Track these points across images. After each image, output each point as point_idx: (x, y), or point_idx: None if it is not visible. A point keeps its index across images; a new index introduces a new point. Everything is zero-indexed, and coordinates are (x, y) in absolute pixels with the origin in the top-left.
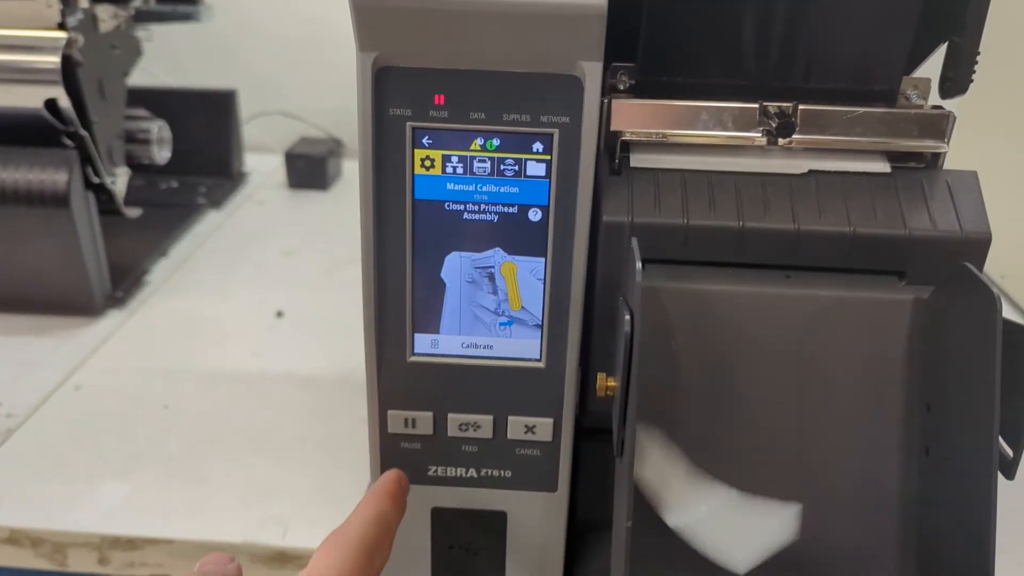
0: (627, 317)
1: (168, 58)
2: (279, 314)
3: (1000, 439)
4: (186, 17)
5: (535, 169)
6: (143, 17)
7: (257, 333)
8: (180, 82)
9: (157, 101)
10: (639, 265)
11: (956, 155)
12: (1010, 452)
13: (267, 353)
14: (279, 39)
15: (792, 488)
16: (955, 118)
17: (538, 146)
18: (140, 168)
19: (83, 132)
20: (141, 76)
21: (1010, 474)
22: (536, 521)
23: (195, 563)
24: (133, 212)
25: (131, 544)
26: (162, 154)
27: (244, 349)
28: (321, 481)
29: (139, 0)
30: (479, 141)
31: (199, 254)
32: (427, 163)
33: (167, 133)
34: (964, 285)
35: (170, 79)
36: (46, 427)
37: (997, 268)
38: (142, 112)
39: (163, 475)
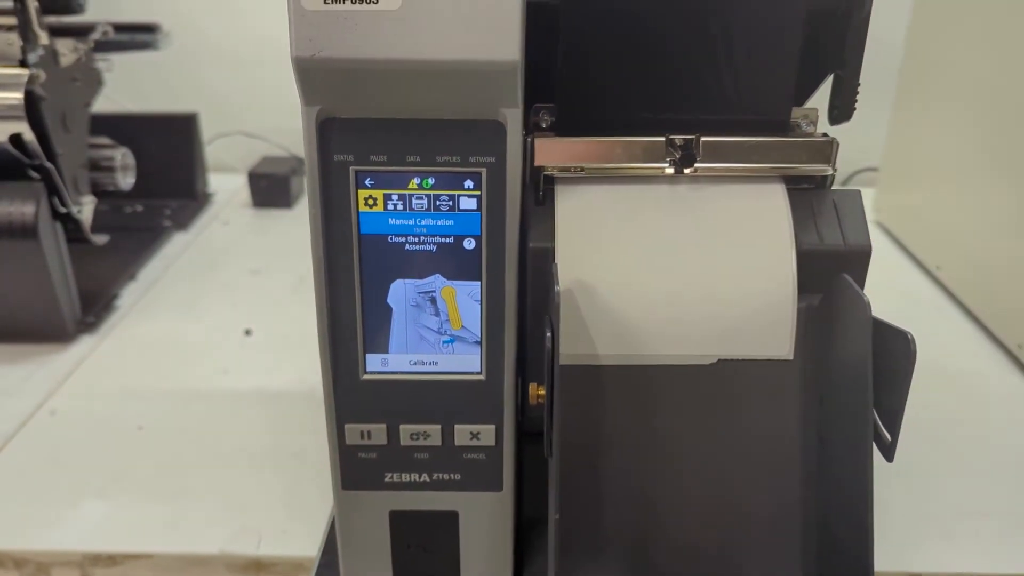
0: (548, 334)
1: (130, 84)
2: (247, 332)
3: (882, 427)
4: (145, 45)
5: (467, 203)
6: (103, 48)
7: (227, 351)
8: (142, 107)
9: (120, 127)
10: (557, 287)
11: (903, 156)
12: (889, 437)
13: (237, 370)
14: (237, 61)
15: (707, 478)
16: (838, 144)
17: (469, 183)
18: (105, 194)
19: (48, 164)
20: (104, 103)
21: (890, 456)
22: (485, 519)
23: (176, 575)
24: (100, 239)
25: (112, 560)
26: (127, 180)
27: (215, 367)
28: (292, 491)
29: (98, 32)
30: (416, 181)
31: (167, 276)
32: (370, 201)
33: (131, 159)
34: (843, 293)
35: (132, 105)
36: (24, 452)
37: (932, 260)
38: (105, 140)
39: (140, 493)
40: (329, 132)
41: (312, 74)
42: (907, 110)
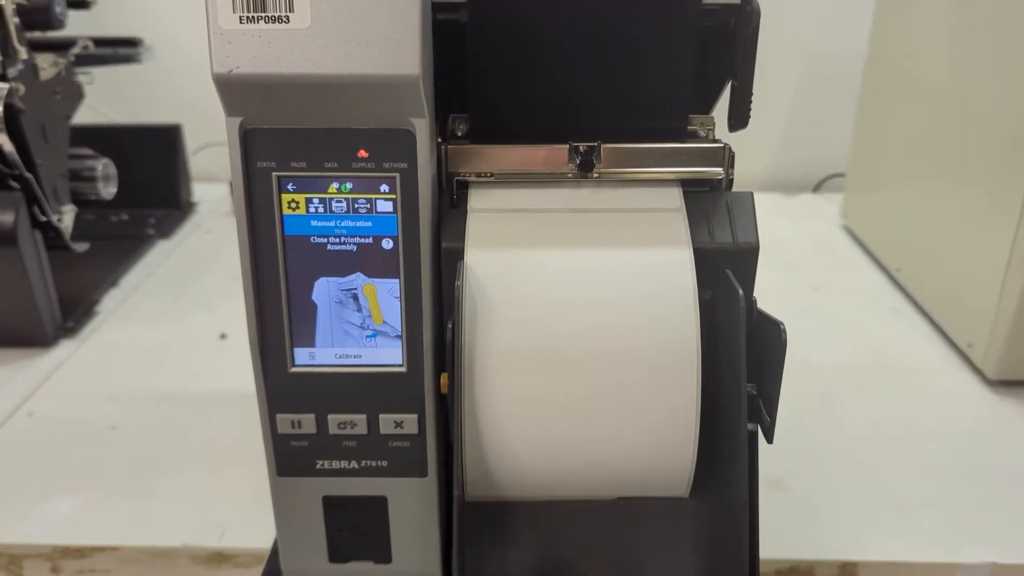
0: (449, 325)
1: (116, 97)
2: (223, 336)
3: (763, 410)
4: (127, 59)
5: (384, 206)
6: (84, 61)
7: (202, 355)
8: (128, 119)
9: (106, 139)
10: (459, 283)
11: (867, 162)
12: (768, 420)
13: (210, 373)
14: None
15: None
16: (731, 150)
17: (384, 187)
18: (89, 204)
19: (28, 174)
20: (91, 115)
21: (769, 438)
22: (413, 503)
23: (142, 567)
24: (80, 246)
25: (80, 553)
26: (108, 190)
27: (189, 370)
28: (256, 487)
29: (78, 47)
30: (335, 185)
31: (149, 283)
32: (293, 205)
33: (112, 170)
34: (725, 287)
35: (118, 117)
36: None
37: (893, 263)
38: (86, 151)
39: (110, 489)
40: (252, 141)
41: (231, 88)
42: (870, 118)
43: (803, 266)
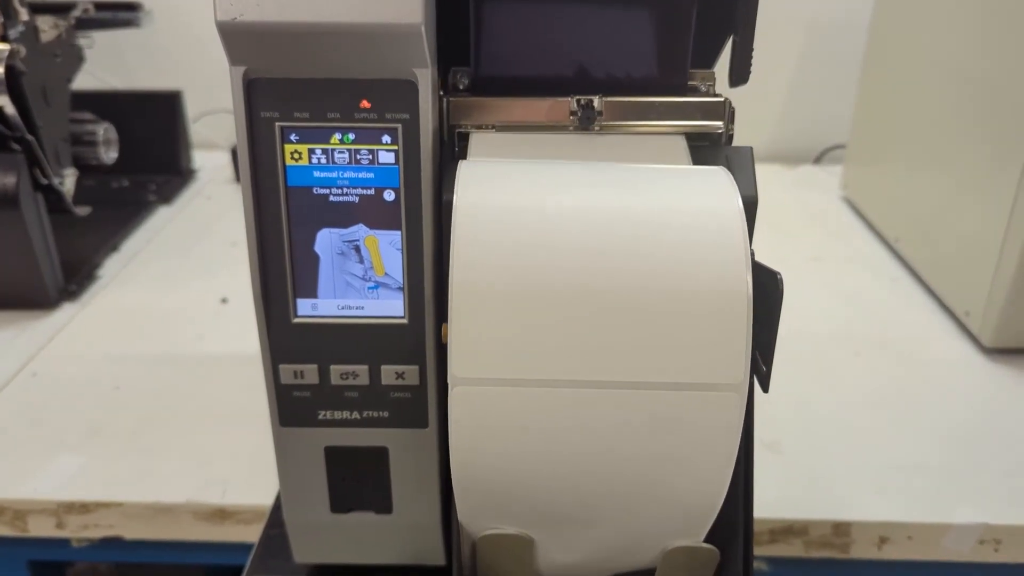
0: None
1: (116, 63)
2: (223, 300)
3: (759, 359)
4: (127, 24)
5: (386, 157)
6: (84, 25)
7: (203, 318)
8: (128, 85)
9: (106, 104)
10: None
11: (868, 134)
12: (764, 368)
13: (212, 336)
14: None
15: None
16: (731, 104)
17: (386, 138)
18: (90, 168)
19: (29, 137)
20: (90, 81)
21: (765, 386)
22: (413, 454)
23: (145, 523)
24: (82, 210)
25: (84, 508)
26: (109, 155)
27: (191, 333)
28: (258, 446)
29: (78, 10)
30: (337, 136)
31: (149, 248)
32: (296, 155)
33: (113, 135)
34: None
35: (119, 83)
36: (5, 411)
37: (892, 233)
38: (87, 115)
39: (114, 447)
40: (255, 91)
41: (235, 37)
42: (871, 89)
43: (803, 237)
